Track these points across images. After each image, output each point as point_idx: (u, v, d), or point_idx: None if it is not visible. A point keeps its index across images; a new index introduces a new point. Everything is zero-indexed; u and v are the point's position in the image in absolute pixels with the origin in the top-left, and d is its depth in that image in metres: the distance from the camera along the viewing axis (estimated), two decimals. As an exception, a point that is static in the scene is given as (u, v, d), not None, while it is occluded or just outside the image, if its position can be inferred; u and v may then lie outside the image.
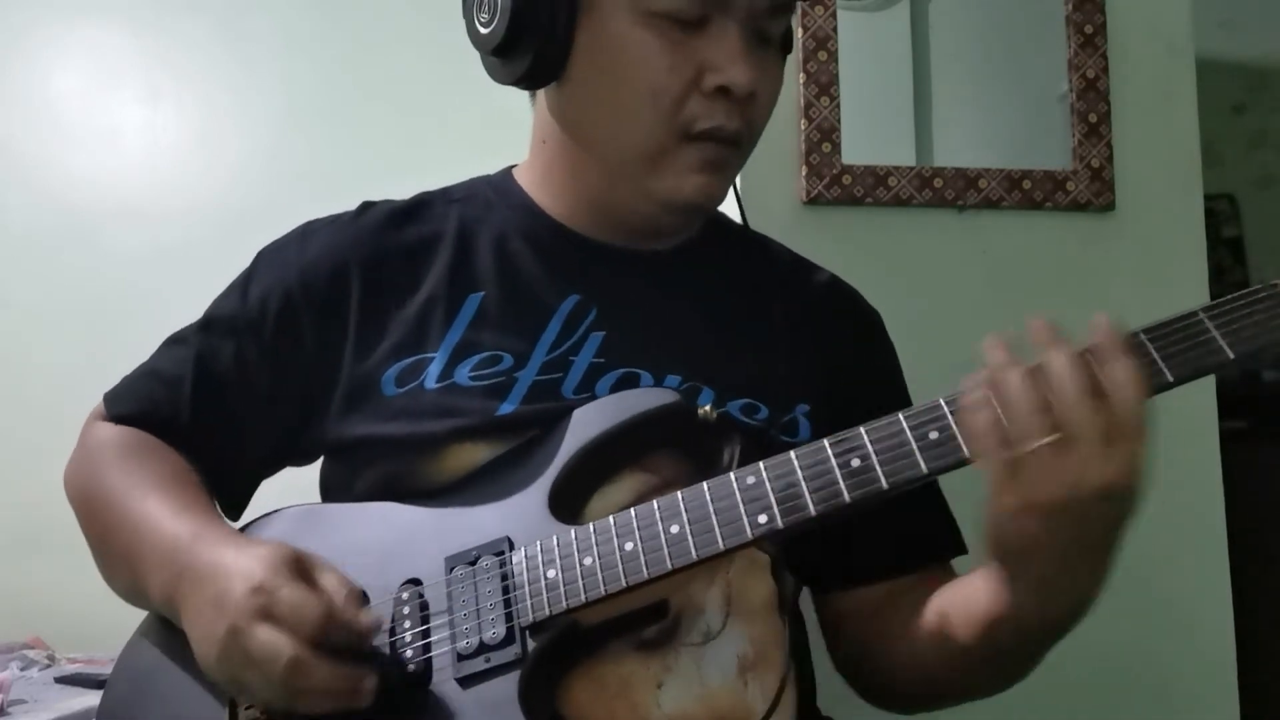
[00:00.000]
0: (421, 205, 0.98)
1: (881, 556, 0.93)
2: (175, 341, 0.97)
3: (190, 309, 0.99)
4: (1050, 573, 0.69)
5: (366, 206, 0.98)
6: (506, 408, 0.85)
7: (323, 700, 0.72)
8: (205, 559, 0.78)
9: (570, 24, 0.86)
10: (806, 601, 0.95)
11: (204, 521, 0.83)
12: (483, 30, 0.89)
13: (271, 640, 0.71)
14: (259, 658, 0.71)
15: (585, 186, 0.93)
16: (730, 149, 0.88)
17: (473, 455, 0.84)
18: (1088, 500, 0.64)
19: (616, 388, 0.87)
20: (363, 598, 0.77)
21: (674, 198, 0.88)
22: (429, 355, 0.88)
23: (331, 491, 0.94)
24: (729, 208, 1.04)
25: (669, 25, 0.84)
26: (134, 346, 1.00)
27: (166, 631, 0.85)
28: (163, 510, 0.84)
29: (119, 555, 0.88)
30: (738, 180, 0.97)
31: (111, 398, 0.97)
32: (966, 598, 0.80)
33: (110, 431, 0.95)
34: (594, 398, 0.86)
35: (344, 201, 1.00)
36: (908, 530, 0.92)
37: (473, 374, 0.87)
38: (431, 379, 0.87)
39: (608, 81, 0.87)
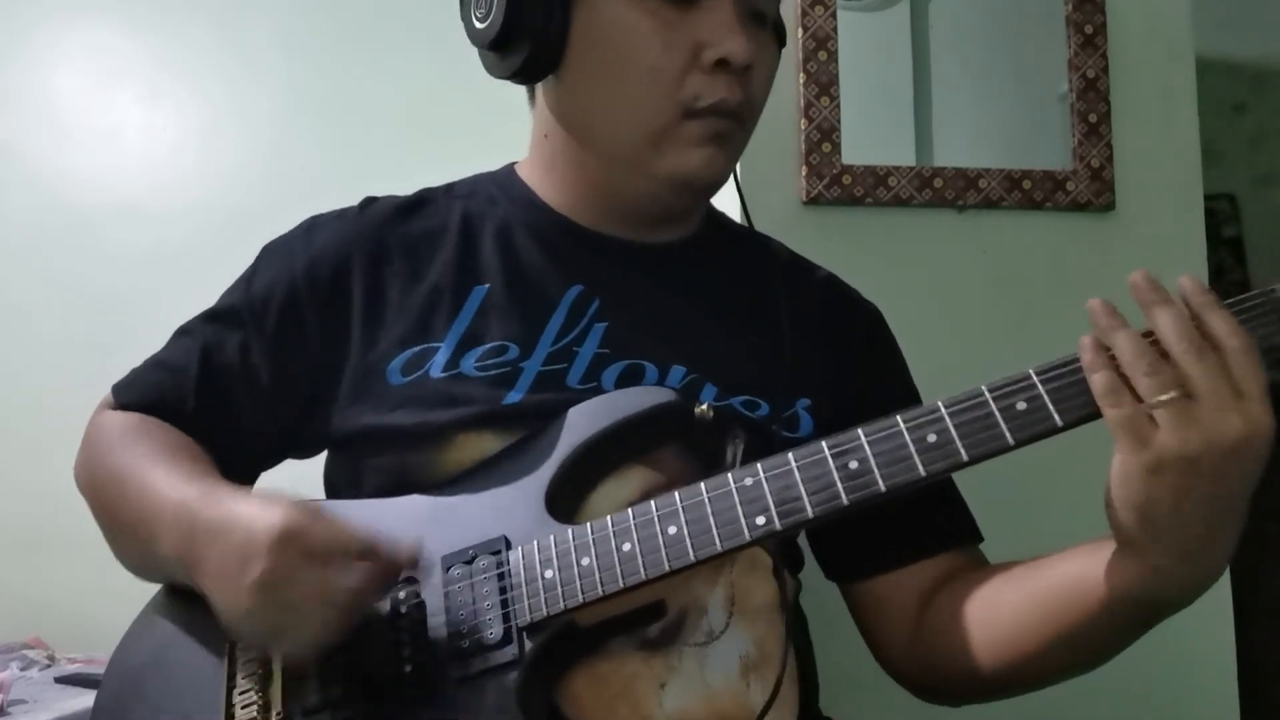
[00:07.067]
0: (425, 200, 0.99)
1: (909, 539, 0.92)
2: (182, 333, 0.98)
3: (190, 308, 0.99)
4: (1184, 539, 0.65)
5: (370, 201, 0.99)
6: (513, 396, 0.86)
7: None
8: (219, 512, 0.76)
9: (565, 14, 0.87)
10: (808, 602, 0.94)
11: (212, 483, 0.83)
12: (479, 25, 0.90)
13: (318, 579, 0.70)
14: (307, 598, 0.70)
15: (589, 177, 0.93)
16: (733, 122, 0.88)
17: (479, 446, 0.84)
18: (1220, 456, 0.62)
19: (622, 379, 0.87)
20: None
21: (679, 174, 0.88)
22: (434, 345, 0.88)
23: (337, 488, 0.93)
24: (730, 207, 1.04)
25: (661, 5, 0.85)
26: (134, 346, 1.00)
27: (159, 625, 0.86)
28: (170, 477, 0.84)
29: (128, 526, 0.87)
30: (740, 180, 0.98)
31: (119, 387, 0.98)
32: (1069, 576, 0.76)
33: (116, 417, 0.95)
34: (599, 388, 0.86)
35: (344, 201, 1.00)
36: (932, 513, 0.92)
37: (479, 364, 0.87)
38: (437, 368, 0.87)
39: (606, 67, 0.87)
